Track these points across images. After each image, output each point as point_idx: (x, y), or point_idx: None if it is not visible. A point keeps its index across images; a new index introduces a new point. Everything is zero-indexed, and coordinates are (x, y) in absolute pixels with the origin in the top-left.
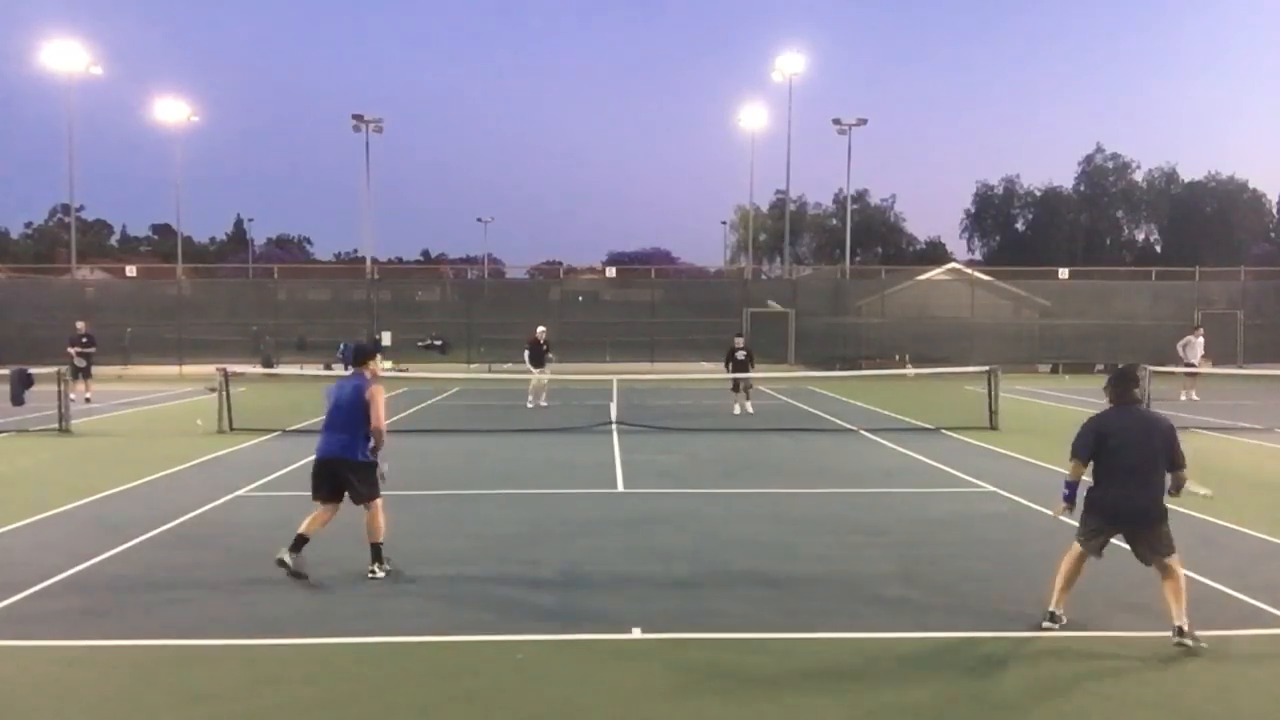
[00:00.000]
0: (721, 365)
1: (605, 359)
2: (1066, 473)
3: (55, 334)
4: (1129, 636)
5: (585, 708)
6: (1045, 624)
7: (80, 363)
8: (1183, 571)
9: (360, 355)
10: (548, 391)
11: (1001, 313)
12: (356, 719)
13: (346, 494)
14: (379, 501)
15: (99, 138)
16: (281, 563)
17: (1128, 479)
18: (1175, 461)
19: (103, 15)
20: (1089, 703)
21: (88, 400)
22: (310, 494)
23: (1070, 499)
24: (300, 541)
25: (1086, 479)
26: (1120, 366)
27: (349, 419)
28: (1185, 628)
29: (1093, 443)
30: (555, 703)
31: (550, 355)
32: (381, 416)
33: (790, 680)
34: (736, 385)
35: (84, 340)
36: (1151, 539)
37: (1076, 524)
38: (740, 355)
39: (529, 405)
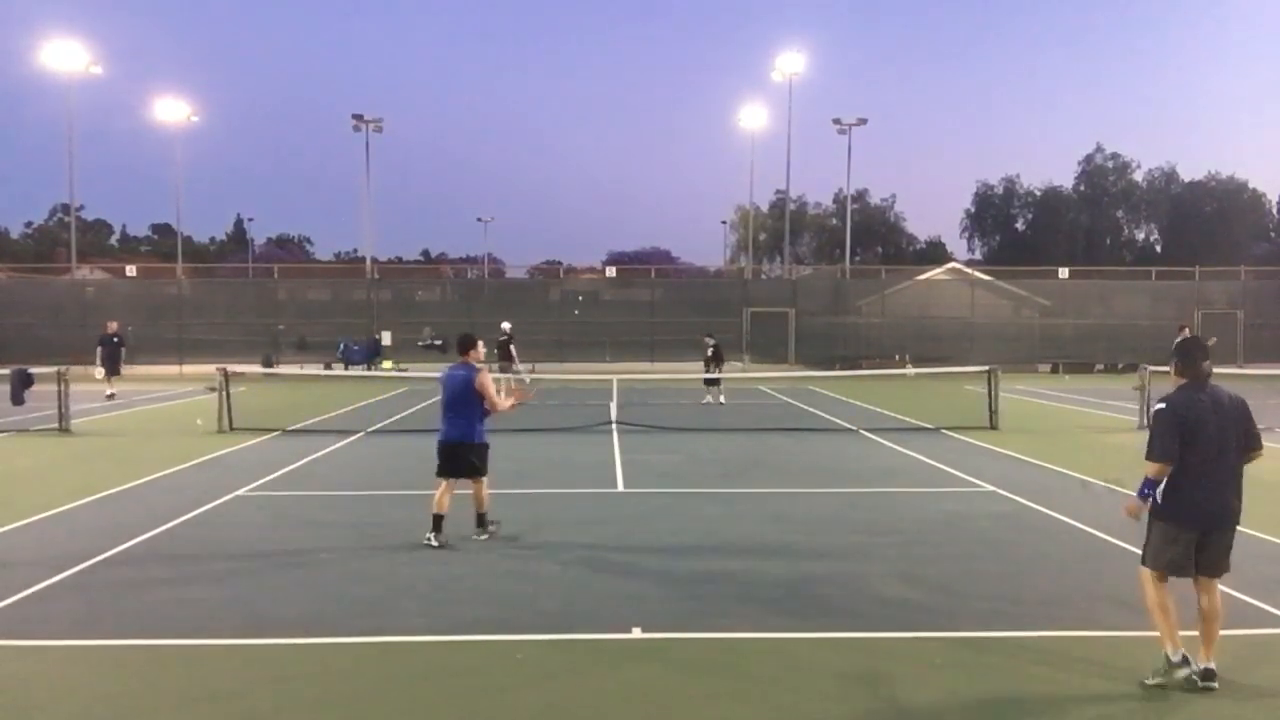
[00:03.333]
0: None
1: (605, 359)
2: (1146, 478)
3: (55, 334)
4: (1129, 636)
5: (585, 708)
6: (1183, 672)
7: (104, 367)
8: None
9: (463, 345)
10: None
11: (1001, 312)
12: (356, 719)
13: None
14: (486, 479)
15: (99, 137)
16: (429, 544)
17: (1215, 472)
18: (1253, 441)
19: (103, 15)
20: (1089, 703)
21: (112, 396)
22: (437, 470)
23: (1148, 496)
24: (438, 520)
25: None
26: (1186, 337)
27: (463, 405)
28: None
29: (1179, 436)
30: (555, 703)
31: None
32: (494, 398)
33: (790, 680)
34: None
35: (115, 340)
36: (1228, 543)
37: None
38: (709, 353)
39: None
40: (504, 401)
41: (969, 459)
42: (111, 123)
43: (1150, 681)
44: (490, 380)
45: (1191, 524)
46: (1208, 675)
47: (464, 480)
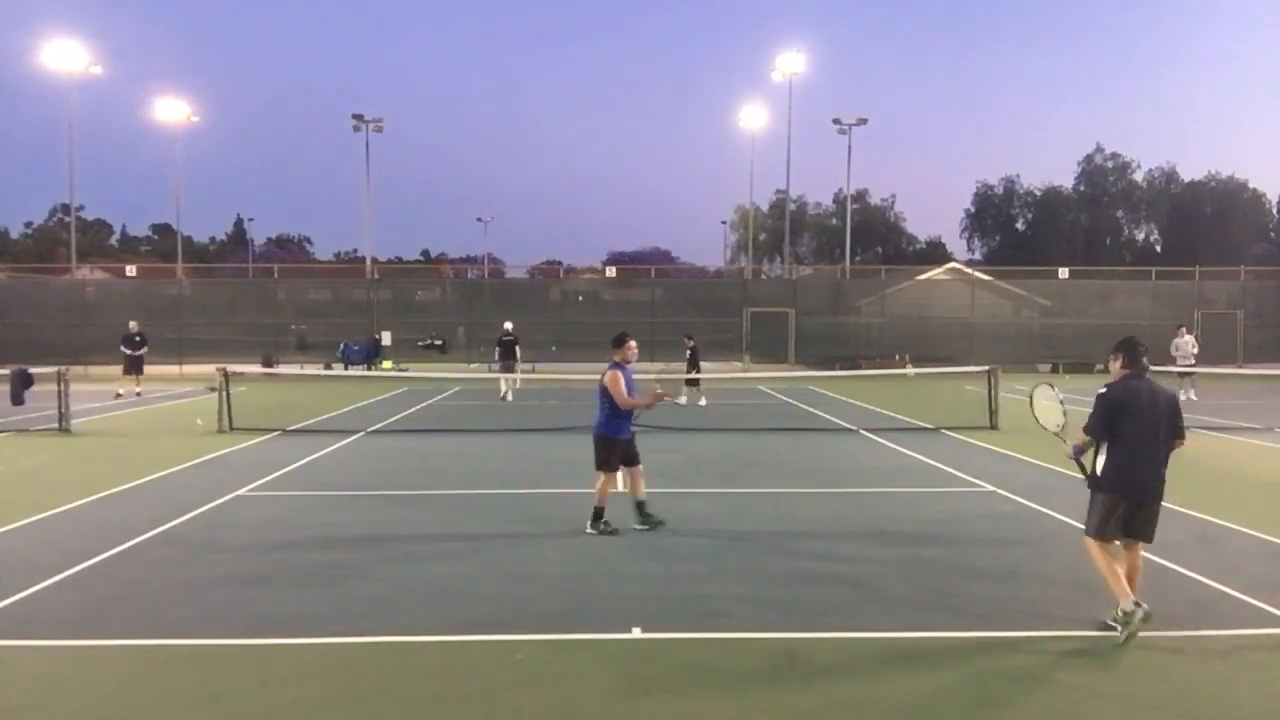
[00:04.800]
0: (728, 367)
1: (605, 359)
2: (1075, 444)
3: (55, 334)
4: None
5: (585, 708)
6: (1139, 614)
7: (133, 355)
8: None
9: (613, 343)
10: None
11: (1001, 312)
12: (356, 719)
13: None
14: (602, 475)
15: (99, 137)
16: (603, 530)
17: (1147, 451)
18: (1178, 431)
19: (103, 15)
20: (1089, 702)
21: (138, 394)
22: None
23: (1075, 456)
24: (598, 513)
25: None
26: (1128, 336)
27: (599, 401)
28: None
29: (1108, 419)
30: (555, 703)
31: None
32: (621, 395)
33: (790, 680)
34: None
35: (136, 339)
36: (1156, 512)
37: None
38: (687, 354)
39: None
40: (636, 399)
41: (969, 459)
42: (111, 123)
43: (1122, 637)
44: (617, 379)
45: (1128, 495)
46: (1142, 613)
47: (634, 469)
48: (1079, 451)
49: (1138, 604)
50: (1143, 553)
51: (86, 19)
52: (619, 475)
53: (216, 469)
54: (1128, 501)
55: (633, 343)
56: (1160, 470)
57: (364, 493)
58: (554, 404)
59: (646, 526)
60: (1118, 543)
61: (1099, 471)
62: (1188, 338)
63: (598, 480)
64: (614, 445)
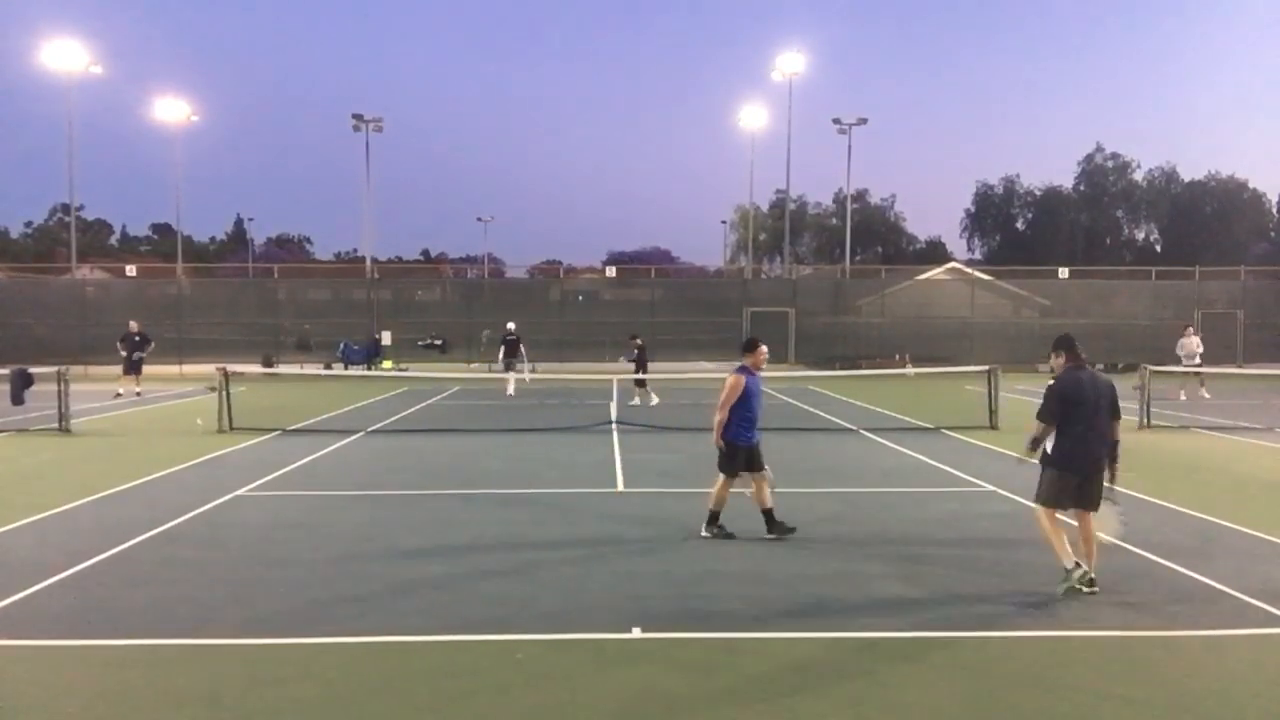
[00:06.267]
0: (722, 366)
1: (605, 359)
2: (1032, 435)
3: (55, 334)
4: (1129, 636)
5: (585, 708)
6: (1078, 573)
7: (133, 356)
8: None
9: (744, 347)
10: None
11: (1001, 312)
12: (356, 719)
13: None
14: (721, 478)
15: (99, 137)
16: (718, 533)
17: (1090, 433)
18: (1116, 412)
19: (103, 15)
20: (1088, 702)
21: (137, 394)
22: None
23: (1033, 446)
24: (714, 516)
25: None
26: (1065, 333)
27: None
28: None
29: (1059, 407)
30: (555, 703)
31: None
32: (721, 403)
33: (790, 680)
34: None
35: (137, 339)
36: (1100, 484)
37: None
38: (634, 354)
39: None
40: (719, 418)
41: (969, 459)
42: (111, 122)
43: (1060, 590)
44: (738, 384)
45: (1076, 471)
46: (1091, 582)
47: (756, 475)
48: (1036, 441)
49: (1078, 564)
50: (1143, 552)
51: (86, 19)
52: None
53: (216, 469)
54: (1078, 476)
55: (764, 348)
56: (1104, 448)
57: (364, 493)
58: (554, 403)
59: (775, 536)
60: (1062, 514)
61: (1049, 451)
62: (1194, 338)
63: (716, 483)
64: (736, 450)
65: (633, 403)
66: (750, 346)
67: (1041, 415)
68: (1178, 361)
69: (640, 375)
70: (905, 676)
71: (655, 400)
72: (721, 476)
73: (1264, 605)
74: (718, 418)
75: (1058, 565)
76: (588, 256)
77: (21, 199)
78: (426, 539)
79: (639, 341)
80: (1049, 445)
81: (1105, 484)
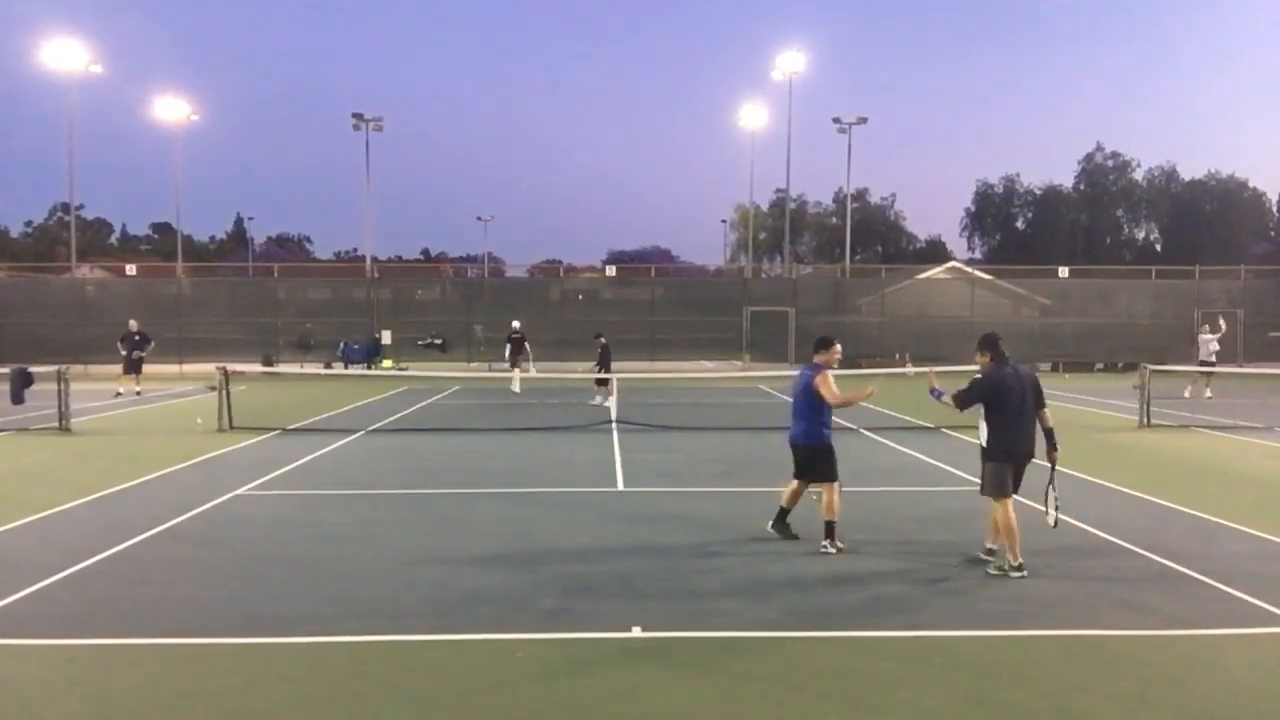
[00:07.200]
0: (717, 364)
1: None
2: (942, 396)
3: (55, 333)
4: (1128, 636)
5: (585, 708)
6: (1016, 575)
7: (133, 355)
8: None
9: (816, 346)
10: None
11: (1002, 311)
12: (357, 718)
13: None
14: (835, 484)
15: (99, 136)
16: (783, 532)
17: (1021, 424)
18: (1042, 401)
19: (103, 15)
20: (1088, 702)
21: (137, 393)
22: None
23: (937, 397)
24: (782, 514)
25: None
26: (990, 331)
27: (803, 406)
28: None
29: (980, 397)
30: (555, 703)
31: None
32: (833, 392)
33: (790, 680)
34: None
35: (137, 338)
36: (1024, 469)
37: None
38: (598, 352)
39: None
40: (850, 394)
41: (969, 458)
42: (112, 122)
43: (993, 571)
44: (829, 379)
45: (1011, 460)
46: (990, 552)
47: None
48: (939, 395)
49: (1021, 566)
50: (1143, 551)
51: (86, 19)
52: (800, 483)
53: (216, 468)
54: (1014, 464)
55: (838, 346)
56: (1034, 436)
57: (364, 492)
58: (554, 402)
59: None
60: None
61: (986, 445)
62: (1208, 336)
63: (829, 492)
64: (829, 451)
65: (592, 401)
66: (826, 344)
67: (960, 400)
68: (1189, 360)
69: (603, 374)
70: (905, 676)
71: (608, 403)
72: (833, 485)
73: (1264, 605)
74: (845, 400)
75: (1009, 554)
76: (588, 256)
77: (21, 198)
78: (426, 538)
79: (603, 340)
80: (984, 439)
81: (1050, 471)
